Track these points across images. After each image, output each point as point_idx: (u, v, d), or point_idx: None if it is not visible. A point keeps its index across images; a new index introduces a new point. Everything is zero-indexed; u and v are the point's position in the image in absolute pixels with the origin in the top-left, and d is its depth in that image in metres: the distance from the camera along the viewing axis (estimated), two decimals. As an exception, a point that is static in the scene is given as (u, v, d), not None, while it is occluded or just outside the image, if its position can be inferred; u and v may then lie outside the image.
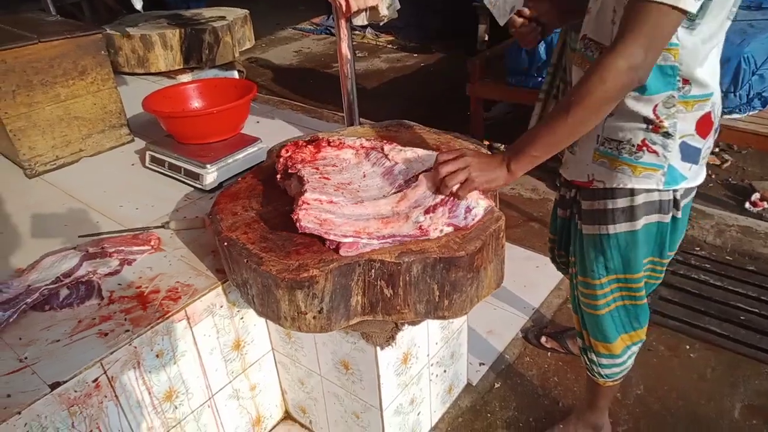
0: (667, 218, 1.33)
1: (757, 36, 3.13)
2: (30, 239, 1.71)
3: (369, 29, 6.56)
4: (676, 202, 1.31)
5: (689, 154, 1.27)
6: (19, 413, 1.15)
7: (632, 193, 1.30)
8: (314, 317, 1.26)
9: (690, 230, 2.78)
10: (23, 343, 1.32)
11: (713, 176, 3.34)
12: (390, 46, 6.37)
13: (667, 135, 1.23)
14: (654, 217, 1.33)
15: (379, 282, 1.26)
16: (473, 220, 1.28)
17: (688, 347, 2.14)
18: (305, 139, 1.62)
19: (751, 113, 3.10)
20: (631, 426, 1.86)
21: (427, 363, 1.68)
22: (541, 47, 3.34)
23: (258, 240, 1.32)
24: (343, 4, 1.79)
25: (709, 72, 1.20)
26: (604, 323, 1.47)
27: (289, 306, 1.25)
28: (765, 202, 2.97)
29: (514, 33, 1.54)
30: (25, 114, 2.03)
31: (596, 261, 1.41)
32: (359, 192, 1.39)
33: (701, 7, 1.06)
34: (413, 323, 1.45)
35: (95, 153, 2.25)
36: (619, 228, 1.34)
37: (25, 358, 1.28)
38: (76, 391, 1.24)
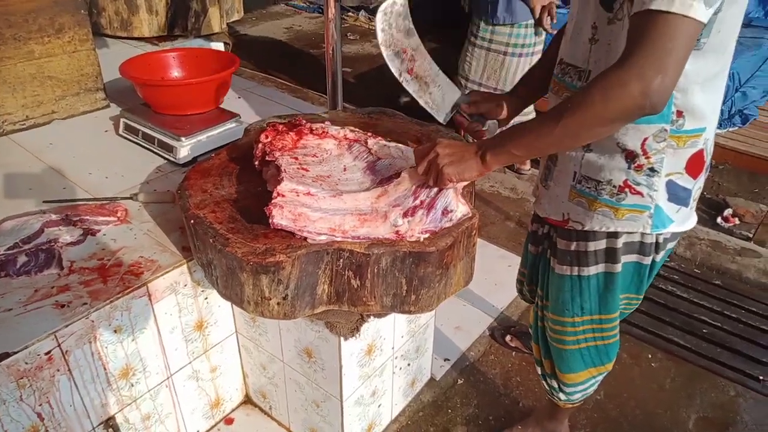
0: (647, 260, 1.27)
1: (744, 53, 3.17)
2: (-10, 201, 1.65)
3: (363, 12, 6.47)
4: (657, 246, 1.24)
5: (677, 194, 1.18)
6: (-36, 382, 1.11)
7: (615, 235, 1.23)
8: (278, 303, 1.24)
9: (662, 240, 2.81)
10: (-26, 310, 1.27)
11: (689, 188, 3.37)
12: (382, 31, 6.29)
13: (652, 172, 1.15)
14: (633, 257, 1.27)
15: (346, 272, 1.24)
16: (450, 222, 1.26)
17: (650, 356, 2.17)
18: (286, 123, 1.57)
19: (731, 129, 3.15)
20: (588, 431, 1.87)
21: (391, 356, 1.67)
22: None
23: (226, 220, 1.29)
24: (334, -17, 1.74)
25: (708, 103, 1.10)
26: (571, 358, 1.45)
27: (253, 290, 1.22)
28: (736, 219, 3.01)
29: (463, 132, 1.48)
30: (-6, 69, 1.95)
31: (572, 301, 1.35)
32: (338, 186, 1.35)
33: (706, 24, 0.96)
34: (379, 316, 1.43)
35: (68, 116, 2.18)
36: (600, 269, 1.29)
37: (-25, 324, 1.24)
38: (26, 363, 1.20)
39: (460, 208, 1.27)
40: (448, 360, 2.07)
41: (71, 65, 2.13)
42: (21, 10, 1.94)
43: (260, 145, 1.46)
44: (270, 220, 1.20)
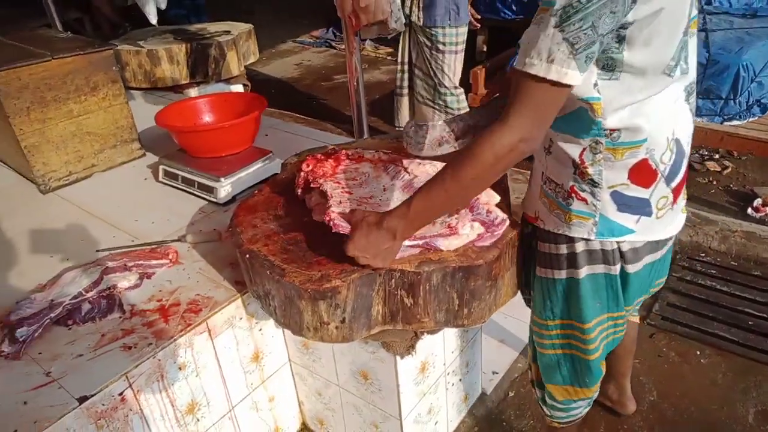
0: (615, 270, 1.25)
1: (755, 43, 3.19)
2: (48, 255, 1.73)
3: (369, 41, 6.62)
4: (622, 255, 1.24)
5: (629, 204, 1.18)
6: (49, 427, 1.17)
7: (571, 240, 1.24)
8: (336, 327, 1.28)
9: (695, 236, 2.80)
10: (48, 358, 1.34)
11: (714, 182, 3.37)
12: (390, 57, 6.41)
13: (593, 183, 1.17)
14: (599, 268, 1.26)
15: (399, 291, 1.28)
16: (496, 218, 1.31)
17: (698, 353, 2.16)
18: (323, 152, 1.64)
19: (750, 120, 3.15)
20: (645, 432, 1.87)
21: (443, 372, 1.69)
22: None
23: (279, 251, 1.34)
24: (353, 18, 1.82)
25: (648, 118, 1.10)
26: (549, 363, 1.45)
27: (311, 316, 1.27)
28: (767, 208, 3.00)
29: None
30: (38, 130, 2.05)
31: (544, 303, 1.37)
32: (380, 206, 1.41)
33: (615, 63, 1.02)
34: (432, 332, 1.47)
35: (107, 168, 2.28)
36: (564, 274, 1.29)
37: (51, 372, 1.29)
38: (103, 405, 1.25)
39: (497, 212, 1.34)
40: (497, 373, 2.09)
41: (107, 120, 2.24)
42: (60, 72, 2.05)
43: (302, 174, 1.53)
44: (330, 223, 1.25)
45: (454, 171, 1.09)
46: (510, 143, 1.03)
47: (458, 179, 1.09)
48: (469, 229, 1.30)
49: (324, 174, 1.51)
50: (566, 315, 1.35)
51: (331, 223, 1.25)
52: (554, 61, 0.96)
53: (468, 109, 3.06)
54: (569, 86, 0.99)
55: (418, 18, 2.88)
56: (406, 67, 3.20)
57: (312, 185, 1.47)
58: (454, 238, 1.29)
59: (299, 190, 1.52)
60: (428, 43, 2.93)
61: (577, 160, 1.16)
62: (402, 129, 3.05)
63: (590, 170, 1.16)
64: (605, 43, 1.00)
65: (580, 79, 0.98)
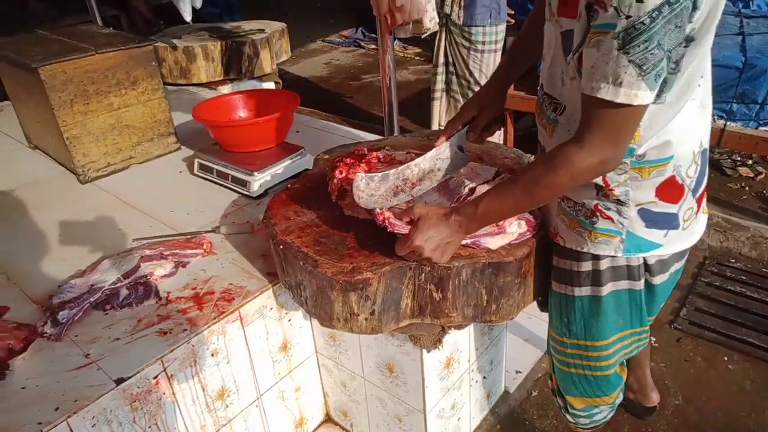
0: (639, 285, 1.24)
1: (774, 46, 3.13)
2: (88, 242, 1.79)
3: (397, 41, 6.65)
4: (648, 268, 1.23)
5: (656, 220, 1.16)
6: (88, 406, 1.21)
7: (597, 257, 1.22)
8: (366, 319, 1.31)
9: (725, 242, 2.77)
10: (87, 341, 1.39)
11: (747, 188, 3.32)
12: (417, 57, 6.44)
13: (619, 203, 1.15)
14: (623, 284, 1.25)
15: (428, 285, 1.30)
16: (536, 217, 1.34)
17: (726, 359, 2.14)
18: (352, 154, 1.64)
19: (778, 123, 3.09)
20: (670, 436, 1.86)
21: (468, 368, 1.71)
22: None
23: (312, 243, 1.37)
24: (389, 17, 1.85)
25: (674, 133, 1.08)
26: (566, 379, 1.45)
27: (342, 307, 1.30)
28: (802, 215, 2.95)
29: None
30: (80, 122, 2.12)
31: (560, 319, 1.36)
32: None
33: (665, 81, 0.98)
34: (459, 327, 1.48)
35: (144, 160, 2.34)
36: (584, 291, 1.28)
37: (90, 354, 1.35)
38: (138, 387, 1.30)
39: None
40: (520, 372, 2.10)
41: (145, 113, 2.30)
42: (102, 67, 2.12)
43: (335, 181, 1.53)
44: (385, 222, 1.26)
45: (527, 185, 1.10)
46: (588, 166, 1.02)
47: (531, 194, 1.10)
48: (516, 227, 1.31)
49: None
50: (582, 335, 1.34)
51: (386, 222, 1.24)
52: (622, 84, 0.93)
53: None
54: (641, 106, 0.96)
55: (458, 17, 2.86)
56: (441, 69, 3.17)
57: (351, 193, 1.47)
58: (501, 237, 1.30)
59: (334, 197, 1.52)
60: (466, 44, 2.92)
61: (601, 183, 1.14)
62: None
63: (616, 191, 1.14)
64: (674, 56, 0.96)
65: (652, 97, 0.95)
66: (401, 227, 1.24)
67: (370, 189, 1.22)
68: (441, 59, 3.14)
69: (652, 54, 0.91)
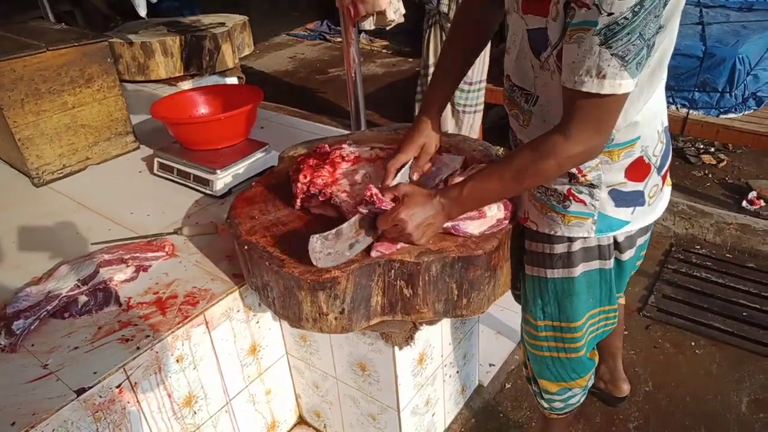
0: (609, 264, 1.28)
1: (751, 37, 3.19)
2: (44, 248, 1.71)
3: (363, 34, 6.59)
4: (618, 245, 1.26)
5: (626, 199, 1.20)
6: (47, 419, 1.16)
7: (569, 239, 1.25)
8: (336, 318, 1.28)
9: (690, 229, 2.82)
10: (45, 350, 1.32)
11: (710, 176, 3.39)
12: (385, 51, 6.41)
13: (591, 186, 1.18)
14: (594, 264, 1.28)
15: (398, 282, 1.28)
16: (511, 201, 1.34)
17: (693, 344, 2.18)
18: (314, 154, 1.59)
19: (746, 113, 3.16)
20: (641, 423, 1.88)
21: (441, 363, 1.69)
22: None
23: (277, 243, 1.33)
24: (352, 9, 1.81)
25: (643, 113, 1.11)
26: (540, 363, 1.46)
27: (311, 307, 1.26)
28: (761, 201, 3.02)
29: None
30: (33, 122, 2.03)
31: (534, 303, 1.37)
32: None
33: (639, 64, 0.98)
34: (431, 323, 1.47)
35: (102, 161, 2.26)
36: (557, 273, 1.30)
37: (48, 364, 1.29)
38: (100, 397, 1.25)
39: None
40: (494, 365, 2.10)
41: (101, 112, 2.21)
42: (54, 64, 2.03)
43: (299, 186, 1.45)
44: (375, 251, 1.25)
45: (514, 172, 1.11)
46: (575, 155, 1.05)
47: (518, 180, 1.12)
48: (496, 211, 1.30)
49: (325, 183, 1.44)
50: (556, 316, 1.35)
51: (374, 198, 1.21)
52: (606, 76, 0.94)
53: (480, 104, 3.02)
54: (624, 94, 0.98)
55: (451, 10, 2.76)
56: (431, 70, 2.97)
57: (320, 198, 1.42)
58: (481, 222, 1.29)
59: (298, 201, 1.46)
60: None
61: (574, 170, 1.16)
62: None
63: (589, 176, 1.17)
64: (652, 43, 0.97)
65: (634, 84, 0.97)
66: (388, 204, 1.22)
67: (326, 248, 1.20)
68: (431, 59, 2.97)
69: (633, 45, 0.93)
